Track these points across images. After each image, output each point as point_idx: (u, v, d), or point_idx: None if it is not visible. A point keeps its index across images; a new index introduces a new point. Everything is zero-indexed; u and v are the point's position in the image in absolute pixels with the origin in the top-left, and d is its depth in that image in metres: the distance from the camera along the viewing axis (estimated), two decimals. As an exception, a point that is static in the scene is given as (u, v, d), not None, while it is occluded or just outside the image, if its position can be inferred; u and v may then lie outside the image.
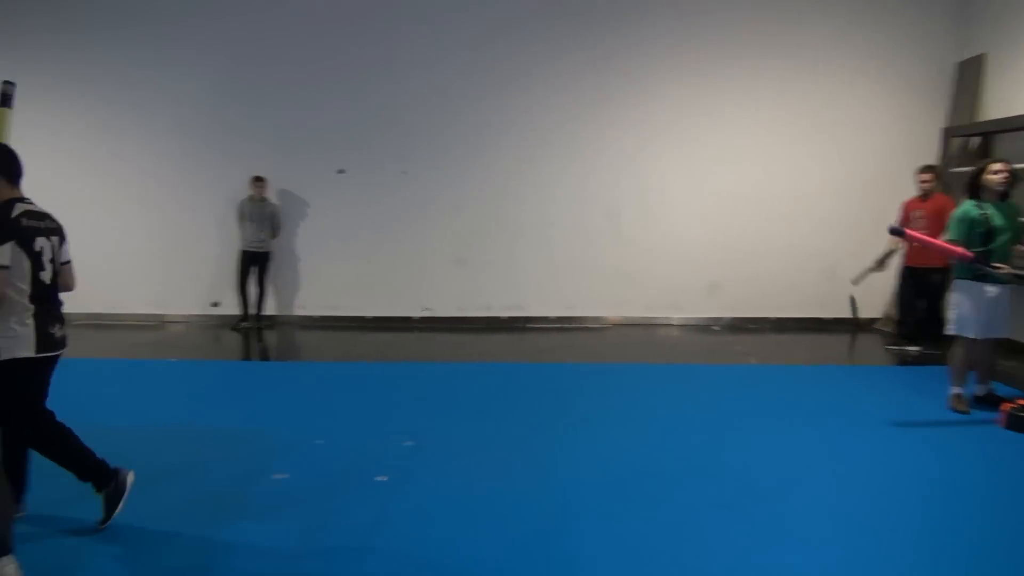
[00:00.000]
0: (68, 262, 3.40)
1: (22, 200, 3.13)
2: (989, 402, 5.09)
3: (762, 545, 3.16)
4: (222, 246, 8.32)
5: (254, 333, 8.07)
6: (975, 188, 4.97)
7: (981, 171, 4.96)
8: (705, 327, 8.36)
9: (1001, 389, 5.39)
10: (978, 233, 4.82)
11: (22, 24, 8.18)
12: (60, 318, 3.27)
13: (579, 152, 8.24)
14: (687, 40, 8.09)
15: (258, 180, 8.02)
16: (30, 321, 3.08)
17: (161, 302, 8.56)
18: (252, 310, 8.23)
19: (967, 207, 4.91)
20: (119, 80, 8.23)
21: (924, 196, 6.80)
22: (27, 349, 3.07)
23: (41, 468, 3.40)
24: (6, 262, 2.95)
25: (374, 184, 8.31)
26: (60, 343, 3.26)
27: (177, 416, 5.00)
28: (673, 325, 8.43)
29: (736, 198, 8.22)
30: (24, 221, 3.07)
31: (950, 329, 5.06)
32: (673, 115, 8.17)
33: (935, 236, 5.39)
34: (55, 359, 3.27)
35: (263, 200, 8.08)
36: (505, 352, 7.19)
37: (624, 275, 8.35)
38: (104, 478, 3.31)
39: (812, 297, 8.33)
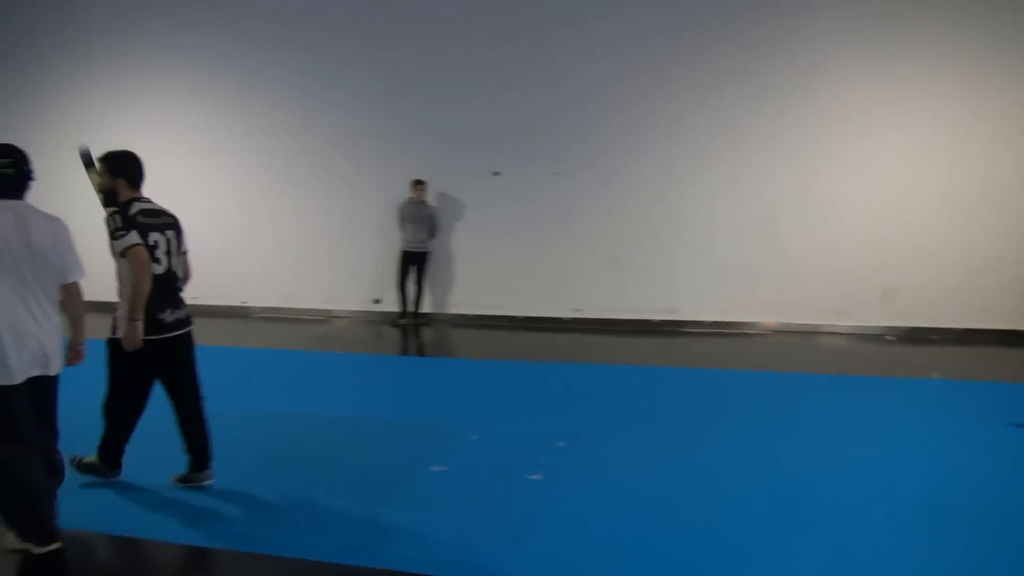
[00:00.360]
0: (185, 252, 3.85)
1: (140, 200, 3.60)
2: None
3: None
4: (384, 246, 8.75)
5: (412, 330, 8.41)
6: None
7: None
8: (877, 336, 7.74)
9: None
10: None
11: (201, 37, 9.03)
12: (175, 303, 3.68)
13: (738, 151, 7.90)
14: (855, 32, 7.53)
15: (418, 183, 8.35)
16: None
17: (328, 298, 9.13)
18: (410, 308, 8.59)
19: None
20: (289, 89, 8.87)
21: None
22: None
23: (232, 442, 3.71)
24: (138, 240, 3.42)
25: (528, 186, 8.41)
26: (171, 326, 3.63)
27: (342, 405, 5.30)
28: (839, 333, 7.87)
29: (917, 196, 7.53)
30: (140, 219, 3.51)
31: None
32: (843, 111, 7.63)
33: None
34: (170, 340, 3.61)
35: (422, 202, 8.41)
36: (656, 356, 7.03)
37: (785, 279, 7.90)
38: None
39: (1006, 307, 7.47)
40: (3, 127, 9.37)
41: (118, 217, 3.47)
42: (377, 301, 8.99)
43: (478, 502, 3.59)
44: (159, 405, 3.74)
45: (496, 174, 8.48)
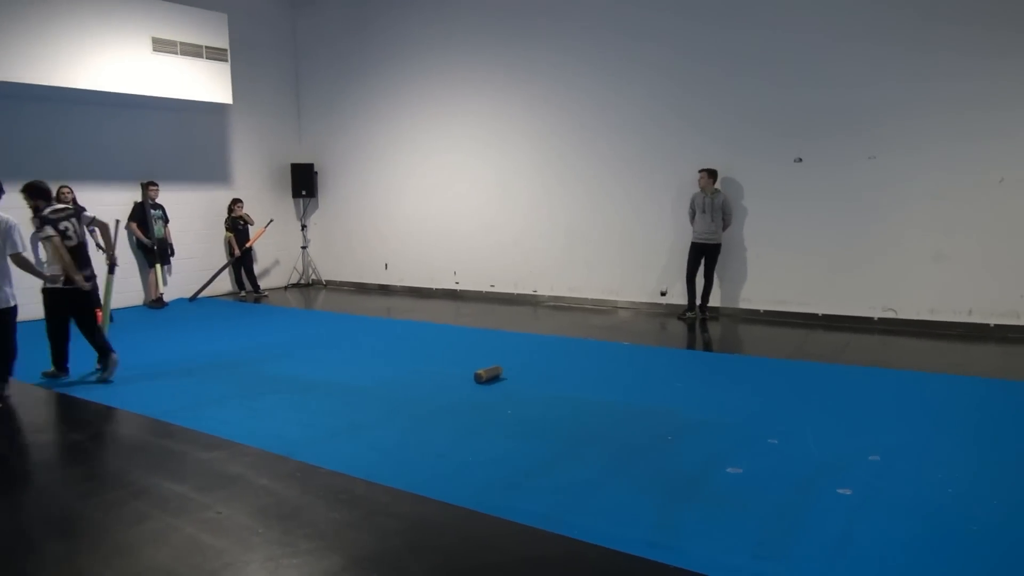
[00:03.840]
0: (92, 220, 5.98)
1: (49, 205, 5.74)
2: None
3: None
4: (674, 237, 8.63)
5: (699, 324, 8.19)
6: None
7: None
8: None
9: None
10: None
11: (496, 36, 9.59)
12: (85, 265, 5.81)
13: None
14: None
15: (708, 172, 8.08)
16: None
17: (615, 290, 9.25)
18: (698, 301, 8.37)
19: None
20: (582, 81, 9.09)
21: None
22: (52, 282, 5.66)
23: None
24: (52, 232, 5.58)
25: (835, 172, 7.68)
26: (86, 280, 5.74)
27: (631, 395, 5.32)
28: None
29: None
30: (50, 216, 5.64)
31: None
32: None
33: None
34: (81, 290, 5.71)
35: (716, 191, 8.13)
36: (991, 367, 6.01)
37: None
38: None
39: None
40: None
41: (38, 220, 5.66)
42: (663, 293, 8.90)
43: (781, 511, 3.36)
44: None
45: (798, 160, 7.88)
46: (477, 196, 10.17)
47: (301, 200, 12.03)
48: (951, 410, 4.85)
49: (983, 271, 7.07)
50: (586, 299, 9.43)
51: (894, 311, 7.52)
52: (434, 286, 10.79)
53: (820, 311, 7.90)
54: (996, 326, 7.04)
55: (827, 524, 3.23)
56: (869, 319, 7.65)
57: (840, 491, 3.56)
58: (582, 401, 5.16)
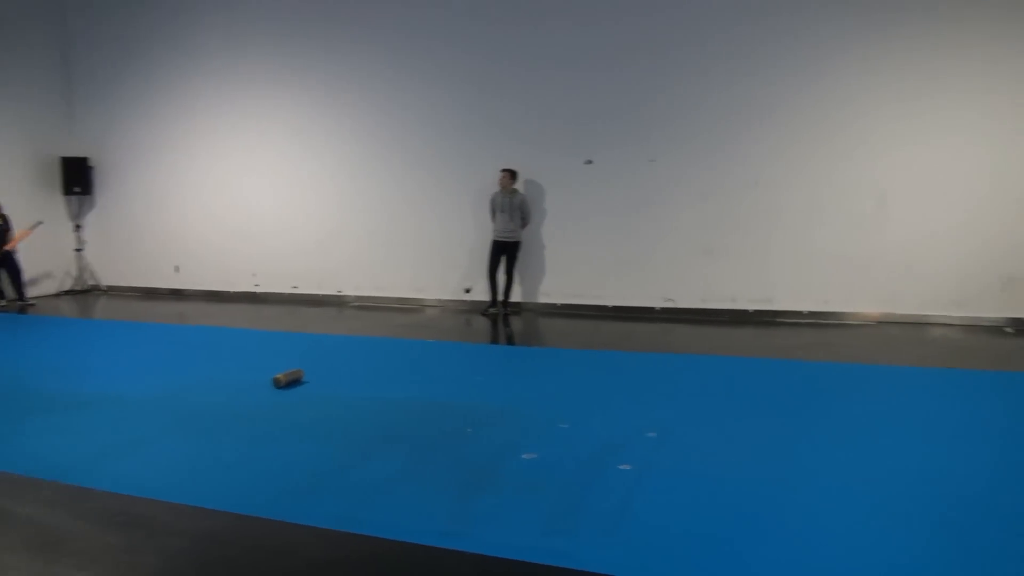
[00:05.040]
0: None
1: None
2: None
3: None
4: (475, 235, 8.86)
5: (501, 319, 8.49)
6: None
7: None
8: (995, 329, 7.25)
9: None
10: None
11: (287, 38, 9.34)
12: None
13: (844, 133, 7.55)
14: (974, 8, 7.04)
15: (508, 172, 8.40)
16: None
17: (420, 287, 9.33)
18: (500, 297, 8.67)
19: None
20: (377, 82, 9.07)
21: None
22: None
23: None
24: None
25: (621, 173, 8.32)
26: None
27: (433, 391, 5.41)
28: (952, 324, 7.42)
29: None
30: None
31: None
32: (963, 92, 7.16)
33: None
34: None
35: (513, 191, 8.45)
36: (751, 347, 6.83)
37: (892, 267, 7.52)
38: None
39: None
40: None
41: None
42: (467, 290, 9.11)
43: (569, 490, 3.60)
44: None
45: (588, 162, 8.42)
46: (277, 196, 9.79)
47: (75, 198, 10.88)
48: (722, 388, 5.42)
49: (742, 263, 7.99)
50: (392, 298, 9.41)
51: (672, 301, 8.29)
52: (232, 289, 10.23)
53: (610, 303, 8.51)
54: (754, 311, 8.00)
55: (609, 498, 3.50)
56: (652, 309, 8.36)
57: (621, 467, 3.87)
58: (383, 400, 5.17)
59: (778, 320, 7.87)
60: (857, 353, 6.44)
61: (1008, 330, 7.20)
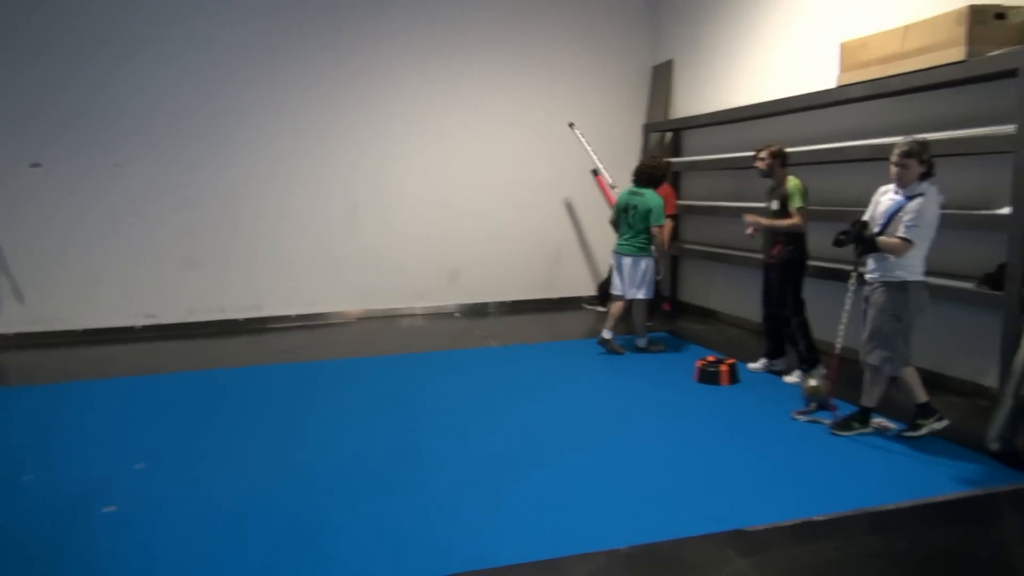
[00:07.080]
0: None
1: None
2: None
3: (509, 512, 3.44)
4: None
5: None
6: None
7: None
8: (448, 314, 8.69)
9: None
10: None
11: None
12: None
13: (315, 143, 8.06)
14: (421, 35, 8.27)
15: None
16: None
17: None
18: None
19: None
20: None
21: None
22: None
23: None
24: None
25: (82, 179, 7.38)
26: None
27: None
28: (417, 315, 8.64)
29: (472, 188, 8.63)
30: None
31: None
32: (406, 105, 8.31)
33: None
34: None
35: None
36: (243, 356, 6.86)
37: (366, 267, 8.37)
38: None
39: (542, 279, 9.03)
40: None
41: None
42: None
43: (42, 551, 3.15)
44: None
45: (36, 165, 7.26)
46: None
47: None
48: (218, 402, 5.31)
49: (228, 272, 7.92)
50: None
51: (155, 317, 7.75)
52: None
53: (81, 326, 7.53)
54: (244, 320, 8.03)
55: (94, 547, 3.18)
56: (132, 328, 7.69)
57: (106, 509, 3.54)
58: None
59: (268, 326, 8.04)
60: (343, 348, 7.01)
61: (456, 315, 8.71)
